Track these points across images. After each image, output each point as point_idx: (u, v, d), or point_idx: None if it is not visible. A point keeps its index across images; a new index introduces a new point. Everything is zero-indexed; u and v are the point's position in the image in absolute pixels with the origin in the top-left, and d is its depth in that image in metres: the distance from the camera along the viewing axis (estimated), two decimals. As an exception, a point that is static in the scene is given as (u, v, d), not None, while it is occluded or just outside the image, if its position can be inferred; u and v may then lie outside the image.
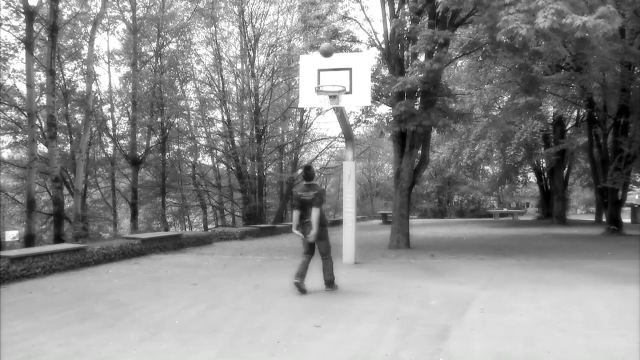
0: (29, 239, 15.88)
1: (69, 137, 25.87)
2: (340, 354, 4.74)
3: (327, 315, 6.25)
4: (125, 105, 28.54)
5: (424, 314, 6.31)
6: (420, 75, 12.52)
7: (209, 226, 31.99)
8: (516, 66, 16.01)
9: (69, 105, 25.25)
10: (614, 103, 18.65)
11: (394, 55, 14.33)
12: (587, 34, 9.03)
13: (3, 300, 7.35)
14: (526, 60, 14.77)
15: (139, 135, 28.65)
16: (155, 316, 6.32)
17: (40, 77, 22.65)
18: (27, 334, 5.55)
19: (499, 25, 9.47)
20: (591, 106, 19.95)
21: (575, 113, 26.56)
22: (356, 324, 5.82)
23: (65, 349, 5.00)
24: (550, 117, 26.50)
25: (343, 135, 13.41)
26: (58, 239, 16.63)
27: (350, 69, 10.65)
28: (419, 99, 14.23)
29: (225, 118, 28.12)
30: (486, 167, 39.29)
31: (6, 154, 27.80)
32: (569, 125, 27.92)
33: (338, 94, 10.34)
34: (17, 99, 23.27)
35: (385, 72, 15.31)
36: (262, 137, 27.58)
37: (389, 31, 14.33)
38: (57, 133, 21.17)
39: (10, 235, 22.48)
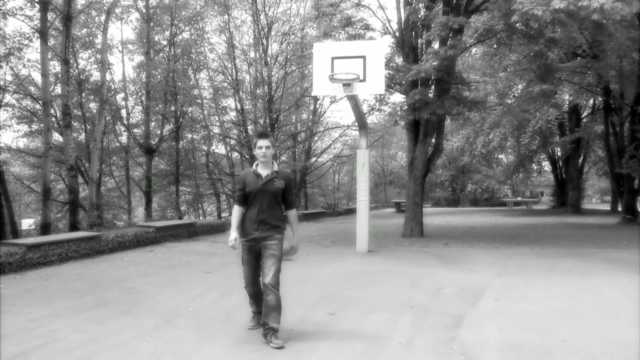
0: (44, 227, 16.06)
1: (83, 126, 26.08)
2: (355, 342, 4.76)
3: (341, 303, 6.26)
4: (139, 94, 28.67)
5: (438, 302, 6.31)
6: (434, 63, 12.44)
7: (223, 214, 32.10)
8: (531, 53, 15.82)
9: (83, 94, 25.43)
10: (631, 91, 18.41)
11: (407, 43, 14.23)
12: (604, 20, 8.91)
13: (20, 287, 7.44)
14: (541, 47, 14.60)
15: (153, 124, 28.75)
16: (170, 303, 6.37)
17: (55, 66, 22.80)
18: (44, 320, 5.61)
19: (513, 7, 9.37)
20: (607, 94, 19.71)
21: (591, 101, 26.24)
22: (370, 312, 5.83)
23: (81, 335, 5.05)
24: (566, 105, 26.20)
25: (357, 124, 13.36)
26: (73, 227, 16.79)
27: (364, 57, 10.59)
28: (433, 87, 14.14)
29: (239, 106, 28.07)
30: (500, 156, 38.96)
31: (22, 143, 28.12)
32: (585, 113, 27.61)
33: (352, 82, 10.30)
34: (32, 89, 23.49)
35: (399, 60, 15.22)
36: (276, 125, 27.50)
37: (403, 19, 14.23)
38: (72, 122, 21.32)
39: (27, 223, 22.75)
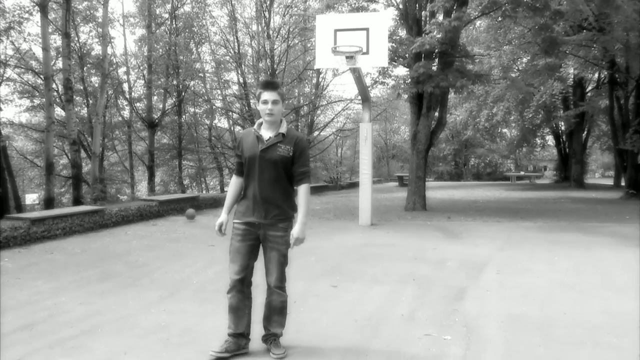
0: (48, 202, 16.09)
1: (85, 101, 25.98)
2: (357, 314, 4.79)
3: (344, 276, 6.29)
4: (141, 68, 28.48)
5: (440, 275, 6.34)
6: (438, 36, 12.33)
7: (226, 188, 32.15)
8: (536, 26, 15.62)
9: (85, 68, 25.27)
10: (637, 64, 18.22)
11: (411, 15, 14.08)
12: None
13: (25, 261, 7.49)
14: (547, 20, 14.43)
15: (155, 98, 28.63)
16: (174, 276, 6.41)
17: (56, 40, 22.61)
18: (49, 293, 5.66)
19: None
20: (613, 68, 19.53)
21: (596, 75, 26.02)
22: (373, 285, 5.86)
23: (86, 307, 5.09)
24: (571, 79, 25.98)
25: (360, 97, 13.29)
26: (77, 201, 16.82)
27: (367, 29, 10.50)
28: (436, 60, 14.03)
29: (241, 80, 27.92)
30: (504, 130, 38.85)
31: (24, 117, 28.08)
32: (590, 88, 27.39)
33: (355, 55, 10.24)
34: (33, 63, 23.32)
35: (402, 32, 15.07)
36: (278, 99, 27.38)
37: (407, -10, 14.06)
38: (74, 96, 21.22)
39: (31, 198, 22.83)
